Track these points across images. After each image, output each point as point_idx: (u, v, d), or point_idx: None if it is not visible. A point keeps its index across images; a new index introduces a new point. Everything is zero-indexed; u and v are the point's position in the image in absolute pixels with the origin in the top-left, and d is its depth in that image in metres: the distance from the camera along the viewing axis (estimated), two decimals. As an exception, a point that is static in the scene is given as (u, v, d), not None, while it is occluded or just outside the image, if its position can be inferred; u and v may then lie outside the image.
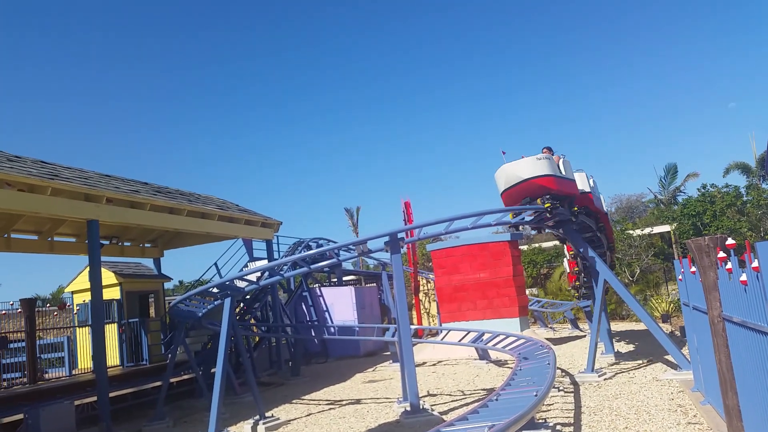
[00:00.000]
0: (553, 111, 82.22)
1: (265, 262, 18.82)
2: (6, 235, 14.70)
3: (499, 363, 16.74)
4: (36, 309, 16.02)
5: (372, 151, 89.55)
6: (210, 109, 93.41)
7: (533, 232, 41.68)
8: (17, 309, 17.10)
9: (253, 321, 20.02)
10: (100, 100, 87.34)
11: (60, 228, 15.70)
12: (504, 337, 14.54)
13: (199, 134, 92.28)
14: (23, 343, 14.81)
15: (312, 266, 14.37)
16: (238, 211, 18.79)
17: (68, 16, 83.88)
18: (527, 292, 26.19)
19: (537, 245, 34.79)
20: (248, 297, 18.87)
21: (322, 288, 25.54)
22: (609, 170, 74.27)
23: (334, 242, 22.34)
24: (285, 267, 14.99)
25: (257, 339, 20.02)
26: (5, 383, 14.32)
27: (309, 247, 22.62)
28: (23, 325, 14.98)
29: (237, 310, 18.08)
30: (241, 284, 14.18)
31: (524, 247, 32.46)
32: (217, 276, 18.91)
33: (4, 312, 19.54)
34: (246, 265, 18.94)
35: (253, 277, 14.94)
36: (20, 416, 11.23)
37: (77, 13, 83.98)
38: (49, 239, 15.99)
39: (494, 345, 14.55)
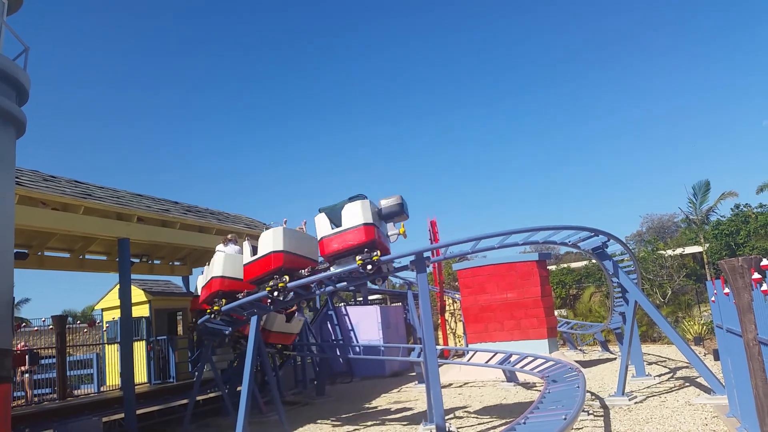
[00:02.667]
0: (582, 129, 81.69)
1: (292, 280, 18.84)
2: (39, 253, 15.02)
3: (527, 385, 16.47)
4: (67, 326, 16.28)
5: (397, 169, 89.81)
6: (244, 129, 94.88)
7: (562, 252, 41.23)
8: (49, 325, 17.41)
9: (279, 339, 20.03)
10: (135, 119, 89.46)
11: (91, 246, 16.00)
12: (532, 358, 14.31)
13: (233, 155, 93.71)
14: (54, 359, 15.05)
15: (337, 285, 14.37)
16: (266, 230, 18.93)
17: (91, 38, 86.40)
18: (556, 313, 25.80)
19: (566, 265, 34.31)
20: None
21: (347, 307, 25.50)
22: (640, 189, 73.26)
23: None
24: (311, 285, 15.02)
25: (283, 358, 20.02)
26: (36, 399, 14.54)
27: (335, 266, 22.62)
28: (54, 342, 15.23)
29: (263, 328, 18.12)
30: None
31: (552, 267, 32.03)
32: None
33: (36, 328, 19.91)
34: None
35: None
36: (50, 432, 11.38)
37: (101, 36, 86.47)
38: (81, 257, 16.29)
39: (522, 367, 14.32)
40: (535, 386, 16.01)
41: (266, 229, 11.47)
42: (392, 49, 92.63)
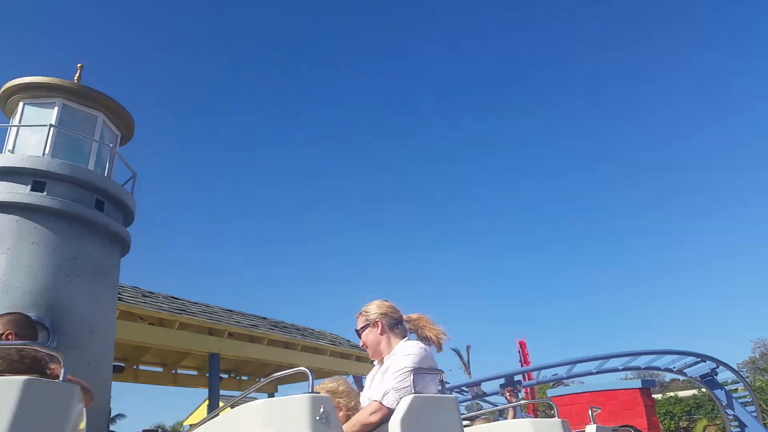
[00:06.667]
0: (681, 251, 77.97)
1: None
2: (135, 367, 15.51)
3: None
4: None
5: (483, 289, 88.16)
6: (311, 241, 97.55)
7: (667, 379, 37.98)
8: (138, 440, 17.54)
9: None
10: (222, 243, 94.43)
11: (183, 361, 16.37)
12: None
13: (313, 269, 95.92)
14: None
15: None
16: (349, 347, 18.80)
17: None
18: (665, 447, 23.36)
19: (672, 394, 31.52)
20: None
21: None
22: (748, 312, 67.75)
23: (446, 383, 21.50)
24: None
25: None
26: None
27: (421, 388, 21.85)
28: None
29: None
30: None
31: (658, 396, 29.48)
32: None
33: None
34: (356, 403, 18.55)
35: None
36: None
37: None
38: (173, 371, 16.65)
39: None
40: None
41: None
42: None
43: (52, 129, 7.07)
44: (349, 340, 20.51)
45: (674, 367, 13.16)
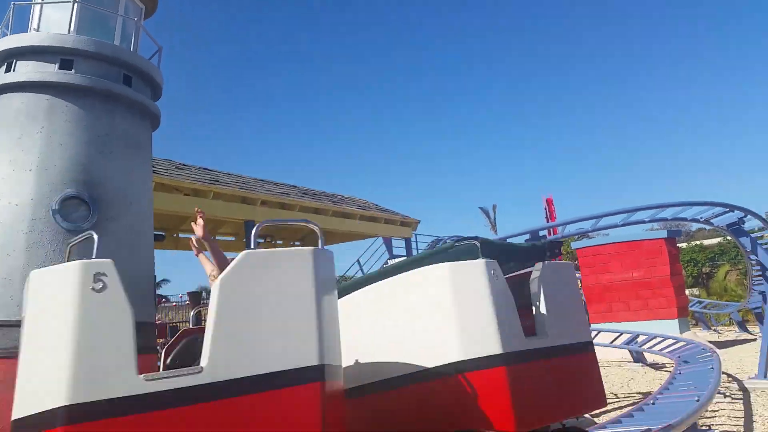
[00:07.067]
0: (708, 100, 75.41)
1: (405, 259, 19.11)
2: (175, 235, 16.25)
3: (656, 366, 15.65)
4: (201, 301, 17.55)
5: (508, 149, 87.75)
6: (349, 110, 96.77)
7: (693, 228, 38.53)
8: (185, 301, 18.86)
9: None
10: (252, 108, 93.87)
11: (221, 228, 17.07)
12: (661, 339, 13.62)
13: (340, 135, 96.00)
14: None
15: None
16: (378, 211, 19.30)
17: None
18: (687, 292, 24.26)
19: (698, 243, 32.11)
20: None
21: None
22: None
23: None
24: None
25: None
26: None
27: (448, 245, 22.60)
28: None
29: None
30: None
31: (683, 245, 30.08)
32: (359, 272, 19.55)
33: (174, 303, 21.65)
34: (386, 263, 19.37)
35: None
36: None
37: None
38: (212, 238, 17.40)
39: (650, 347, 13.66)
40: (665, 367, 15.16)
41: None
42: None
43: (75, 5, 6.85)
44: (377, 205, 21.02)
45: (701, 218, 13.25)
